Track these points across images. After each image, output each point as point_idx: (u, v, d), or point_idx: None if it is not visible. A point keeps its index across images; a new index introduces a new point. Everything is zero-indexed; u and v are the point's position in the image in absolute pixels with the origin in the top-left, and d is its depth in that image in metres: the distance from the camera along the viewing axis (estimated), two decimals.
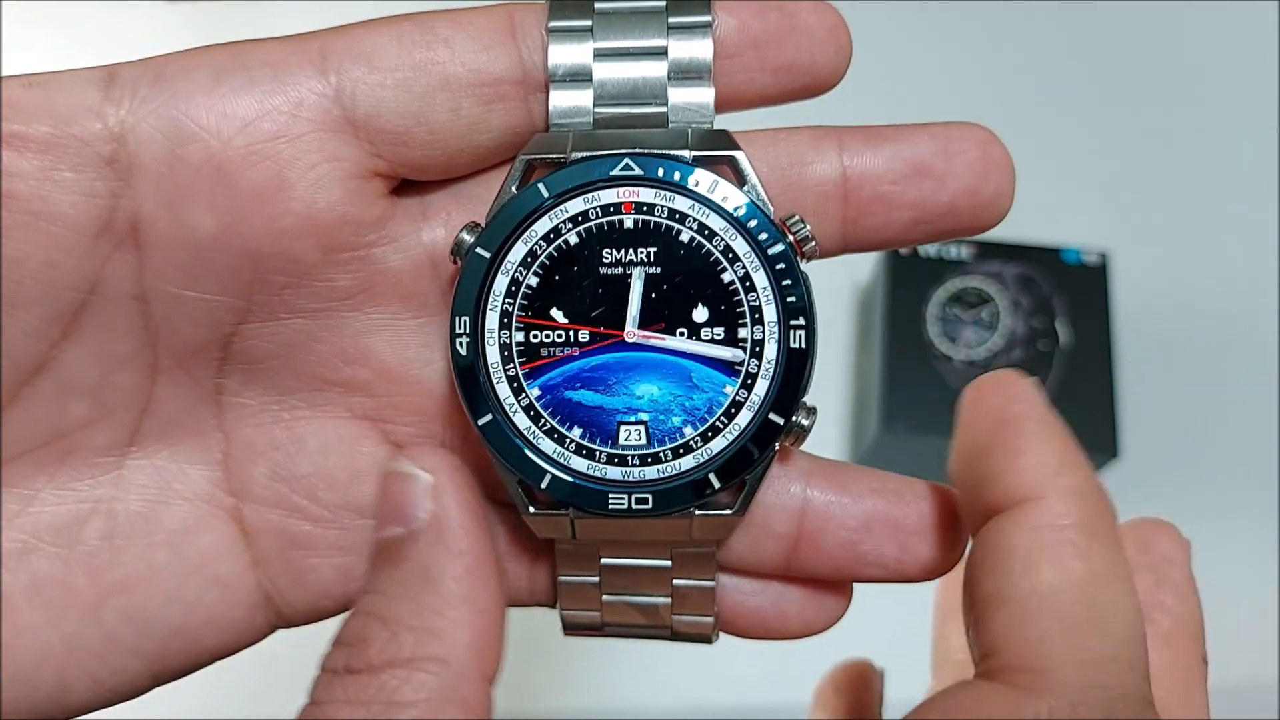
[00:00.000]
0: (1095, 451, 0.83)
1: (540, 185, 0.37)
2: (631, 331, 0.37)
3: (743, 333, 0.37)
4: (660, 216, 0.37)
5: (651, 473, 0.37)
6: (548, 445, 0.37)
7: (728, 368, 0.37)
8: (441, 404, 0.39)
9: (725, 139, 0.37)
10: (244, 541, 0.39)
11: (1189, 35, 1.10)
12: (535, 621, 0.47)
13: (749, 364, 0.37)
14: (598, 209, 0.37)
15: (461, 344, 0.37)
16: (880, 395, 0.84)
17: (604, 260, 0.37)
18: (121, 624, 0.37)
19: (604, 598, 0.40)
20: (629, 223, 0.37)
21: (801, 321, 0.37)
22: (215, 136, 0.35)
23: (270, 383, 0.39)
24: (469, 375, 0.37)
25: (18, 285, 0.34)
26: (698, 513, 0.37)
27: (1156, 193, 1.03)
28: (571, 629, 0.41)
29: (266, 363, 0.38)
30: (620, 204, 0.37)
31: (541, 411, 0.37)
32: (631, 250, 0.37)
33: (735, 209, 0.37)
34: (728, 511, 0.37)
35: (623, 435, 0.37)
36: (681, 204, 0.37)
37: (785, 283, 0.37)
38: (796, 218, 0.36)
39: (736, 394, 0.37)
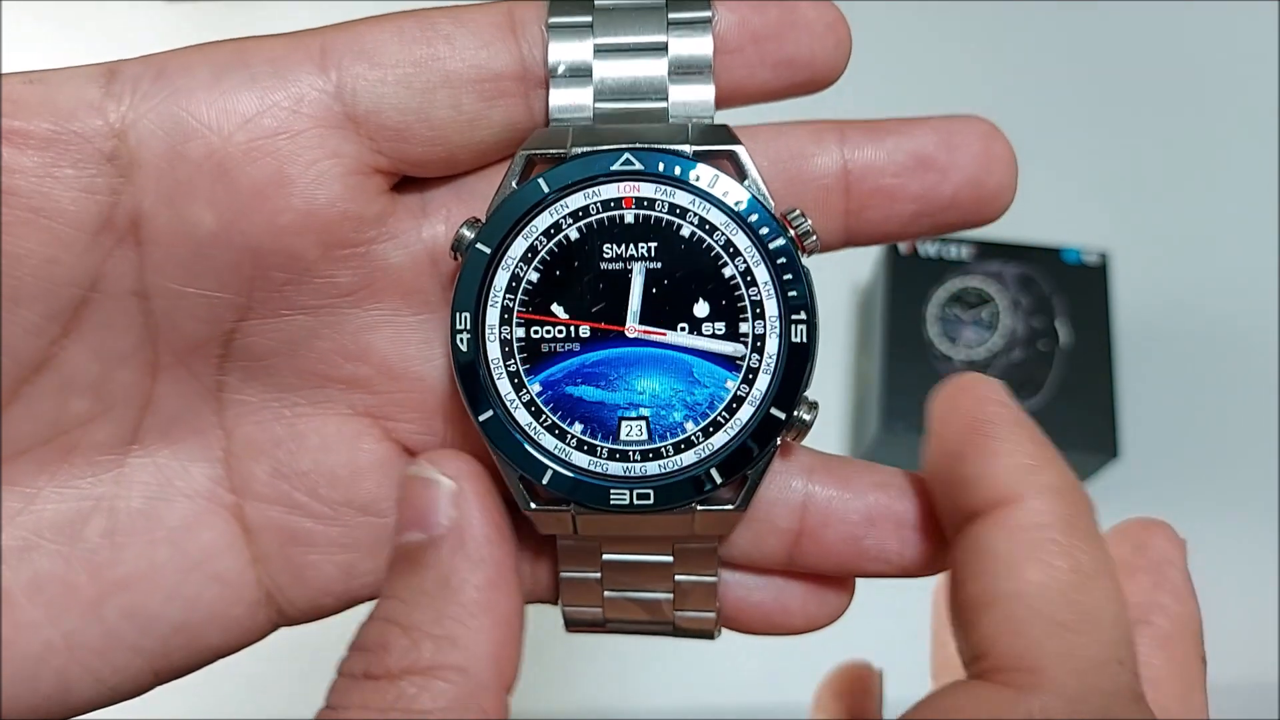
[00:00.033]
0: (1095, 451, 0.83)
1: (540, 180, 0.37)
2: (632, 327, 0.37)
3: (744, 328, 0.37)
4: (661, 211, 0.37)
5: (653, 468, 0.37)
6: (549, 441, 0.37)
7: (729, 363, 0.37)
8: (442, 400, 0.39)
9: (726, 134, 0.37)
10: (245, 539, 0.39)
11: (1189, 35, 1.10)
12: (536, 619, 0.47)
13: (750, 359, 0.37)
14: (598, 204, 0.37)
15: (462, 340, 0.37)
16: (880, 395, 0.84)
17: (605, 255, 0.37)
18: (123, 621, 0.37)
19: (606, 593, 0.40)
20: (629, 218, 0.37)
21: (803, 316, 0.37)
22: (216, 133, 0.35)
23: (271, 380, 0.39)
24: (469, 371, 0.37)
25: (18, 282, 0.34)
26: (699, 508, 0.37)
27: (1156, 193, 1.03)
28: (573, 626, 0.41)
29: (267, 359, 0.38)
30: (621, 199, 0.37)
31: (542, 407, 0.37)
32: (632, 245, 0.37)
33: (736, 203, 0.37)
34: (729, 507, 0.37)
35: (624, 430, 0.37)
36: (682, 199, 0.37)
37: (786, 277, 0.37)
38: (797, 212, 0.37)
39: (738, 389, 0.37)
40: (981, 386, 0.36)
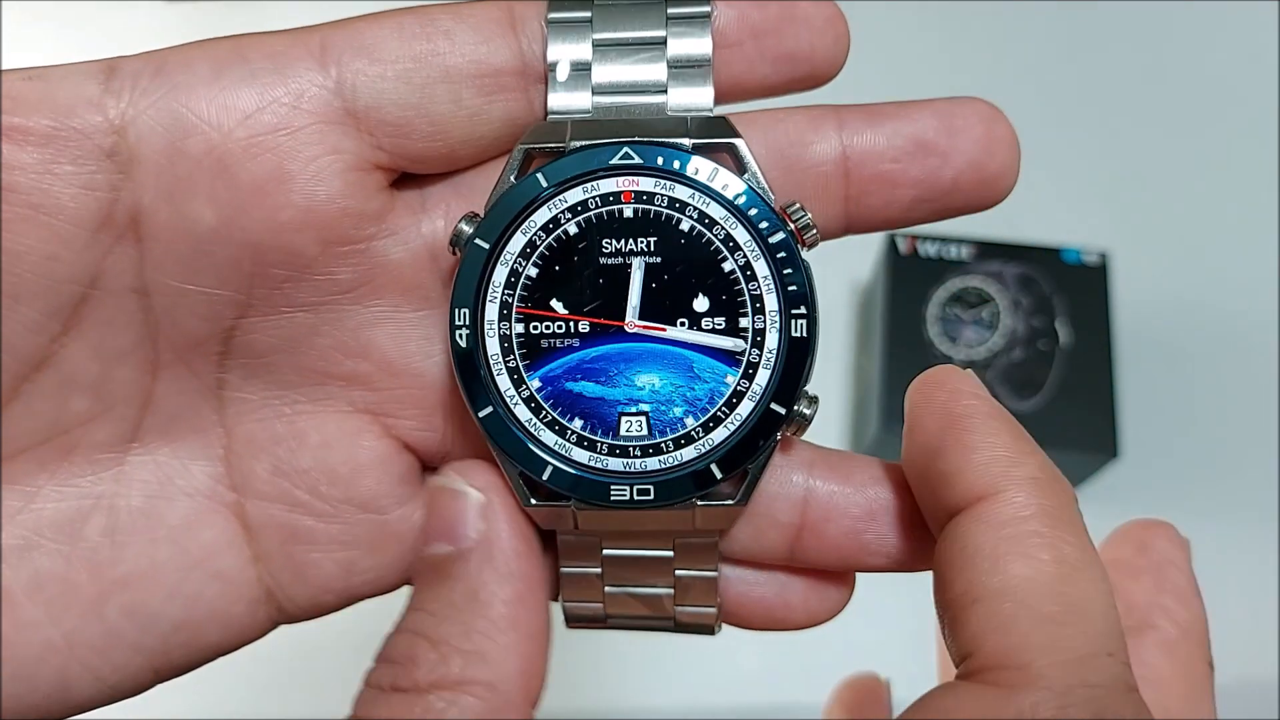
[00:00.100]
0: (1095, 451, 0.82)
1: (539, 175, 0.37)
2: (632, 322, 0.37)
3: (744, 322, 0.37)
4: (660, 205, 0.37)
5: (653, 463, 0.37)
6: (549, 437, 0.37)
7: (729, 357, 0.37)
8: (442, 396, 0.39)
9: (725, 126, 0.37)
10: (245, 537, 0.39)
11: (1189, 35, 1.10)
12: None
13: (750, 353, 0.37)
14: (597, 198, 0.37)
15: (461, 336, 0.37)
16: (880, 395, 0.84)
17: (604, 250, 0.37)
18: (123, 620, 0.37)
19: (606, 589, 0.40)
20: (629, 212, 0.37)
21: (803, 310, 0.37)
22: (216, 129, 0.35)
23: (271, 377, 0.39)
24: (469, 367, 0.37)
25: (18, 279, 0.34)
26: (700, 503, 0.37)
27: (1156, 193, 1.03)
28: (573, 622, 0.41)
29: (268, 357, 0.38)
30: (620, 193, 0.37)
31: (542, 403, 0.37)
32: (631, 240, 0.37)
33: (735, 197, 0.37)
34: (730, 502, 0.37)
35: (624, 426, 0.37)
36: (681, 193, 0.37)
37: (786, 271, 0.37)
38: (797, 205, 0.36)
39: (738, 384, 0.37)
40: (955, 379, 0.36)
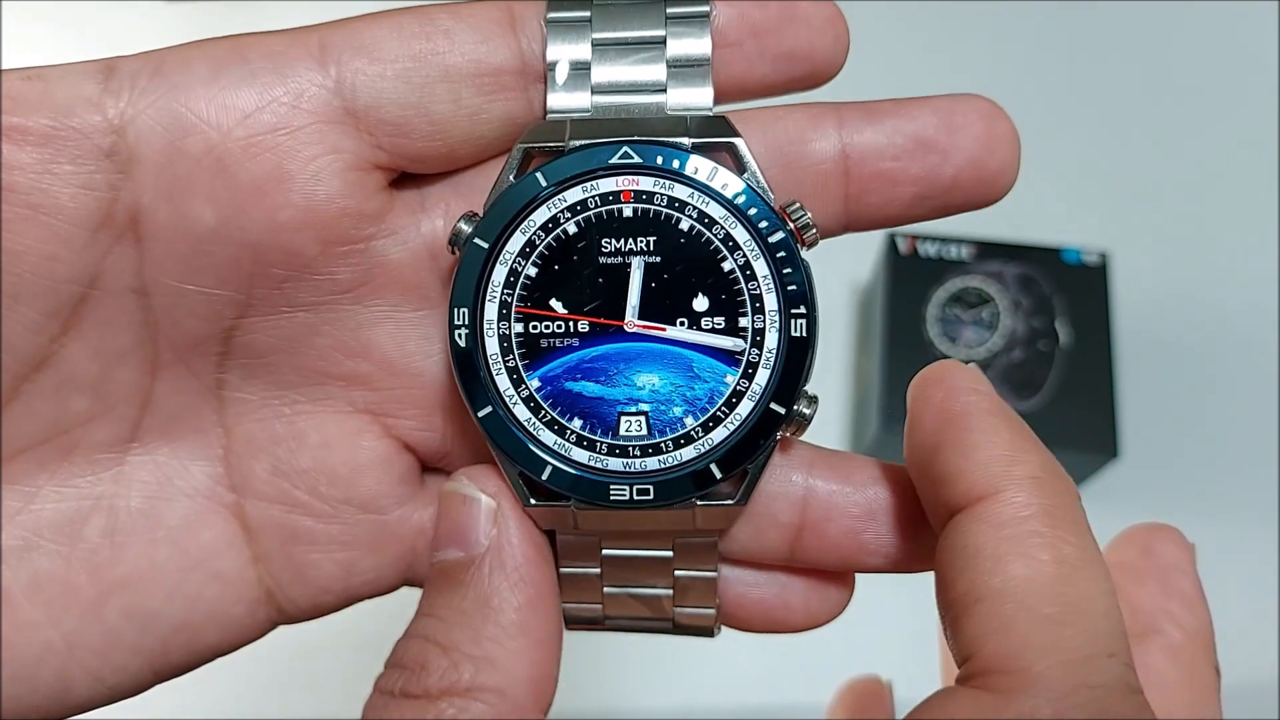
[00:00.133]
0: (1095, 451, 0.82)
1: (538, 174, 0.37)
2: (631, 322, 0.37)
3: (743, 322, 0.37)
4: (660, 205, 0.37)
5: (653, 463, 0.37)
6: (548, 437, 0.37)
7: (729, 357, 0.37)
8: (442, 396, 0.39)
9: (725, 125, 0.37)
10: (245, 537, 0.39)
11: (1189, 35, 1.10)
12: None
13: (750, 353, 0.37)
14: (596, 198, 0.37)
15: (460, 335, 0.37)
16: (880, 395, 0.84)
17: (603, 250, 0.37)
18: (123, 621, 0.37)
19: (605, 589, 0.40)
20: (628, 211, 0.37)
21: (802, 310, 0.37)
22: (215, 128, 0.35)
23: (271, 377, 0.39)
24: (468, 367, 0.37)
25: (17, 279, 0.34)
26: (699, 503, 0.37)
27: (1156, 193, 1.03)
28: (572, 624, 0.41)
29: (267, 357, 0.38)
30: (619, 192, 0.37)
31: (541, 403, 0.37)
32: (631, 239, 0.37)
33: (735, 196, 0.36)
34: (730, 502, 0.37)
35: (623, 426, 0.37)
36: (681, 192, 0.37)
37: (786, 271, 0.37)
38: (797, 205, 0.36)
39: (737, 384, 0.37)
40: (955, 375, 0.36)
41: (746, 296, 0.37)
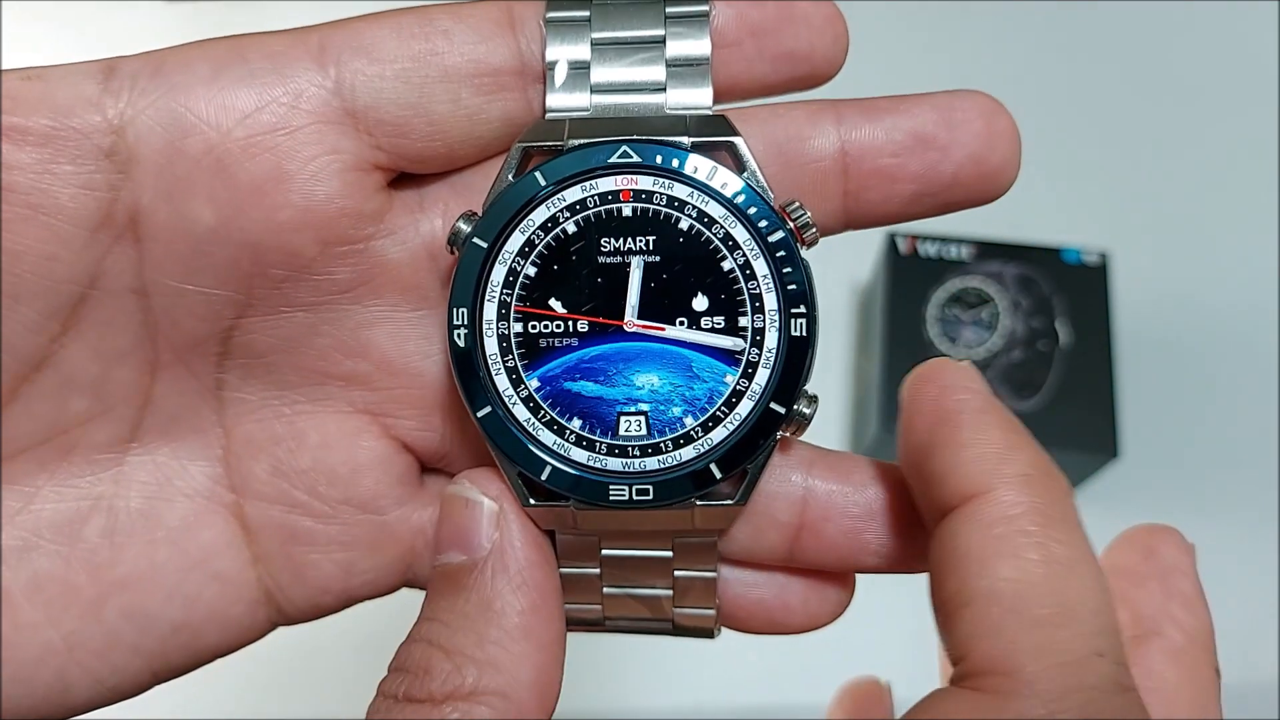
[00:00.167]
0: (1095, 451, 0.82)
1: (537, 173, 0.37)
2: (631, 321, 0.37)
3: (743, 321, 0.37)
4: (659, 204, 0.37)
5: (652, 463, 0.37)
6: (547, 437, 0.37)
7: (728, 357, 0.37)
8: (441, 396, 0.39)
9: (724, 124, 0.37)
10: (245, 537, 0.39)
11: (1189, 35, 1.10)
12: None
13: (750, 353, 0.37)
14: (595, 197, 0.37)
15: (459, 335, 0.37)
16: (880, 396, 0.84)
17: (602, 249, 0.37)
18: (122, 622, 0.37)
19: (605, 590, 0.40)
20: (627, 211, 0.37)
21: (802, 309, 0.36)
22: (214, 129, 0.35)
23: (271, 377, 0.39)
24: (467, 367, 0.37)
25: (17, 279, 0.34)
26: (699, 503, 0.37)
27: (1156, 193, 1.03)
28: (571, 625, 0.41)
29: (267, 357, 0.38)
30: (618, 192, 0.37)
31: (541, 403, 0.37)
32: (630, 239, 0.37)
33: (734, 195, 0.36)
34: (729, 501, 0.37)
35: (623, 426, 0.37)
36: (680, 191, 0.37)
37: (786, 270, 0.36)
38: (796, 204, 0.36)
39: (737, 383, 0.37)
40: (946, 374, 0.36)
41: (746, 296, 0.37)
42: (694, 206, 0.37)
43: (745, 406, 0.37)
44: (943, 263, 0.88)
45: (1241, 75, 1.08)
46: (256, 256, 0.36)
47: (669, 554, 0.39)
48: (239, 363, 0.38)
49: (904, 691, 0.50)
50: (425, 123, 0.36)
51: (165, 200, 0.35)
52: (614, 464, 0.37)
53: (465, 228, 0.36)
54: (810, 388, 0.37)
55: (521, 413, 0.37)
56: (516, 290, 0.37)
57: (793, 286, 0.37)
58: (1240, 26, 1.10)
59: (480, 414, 0.37)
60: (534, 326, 0.37)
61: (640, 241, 0.37)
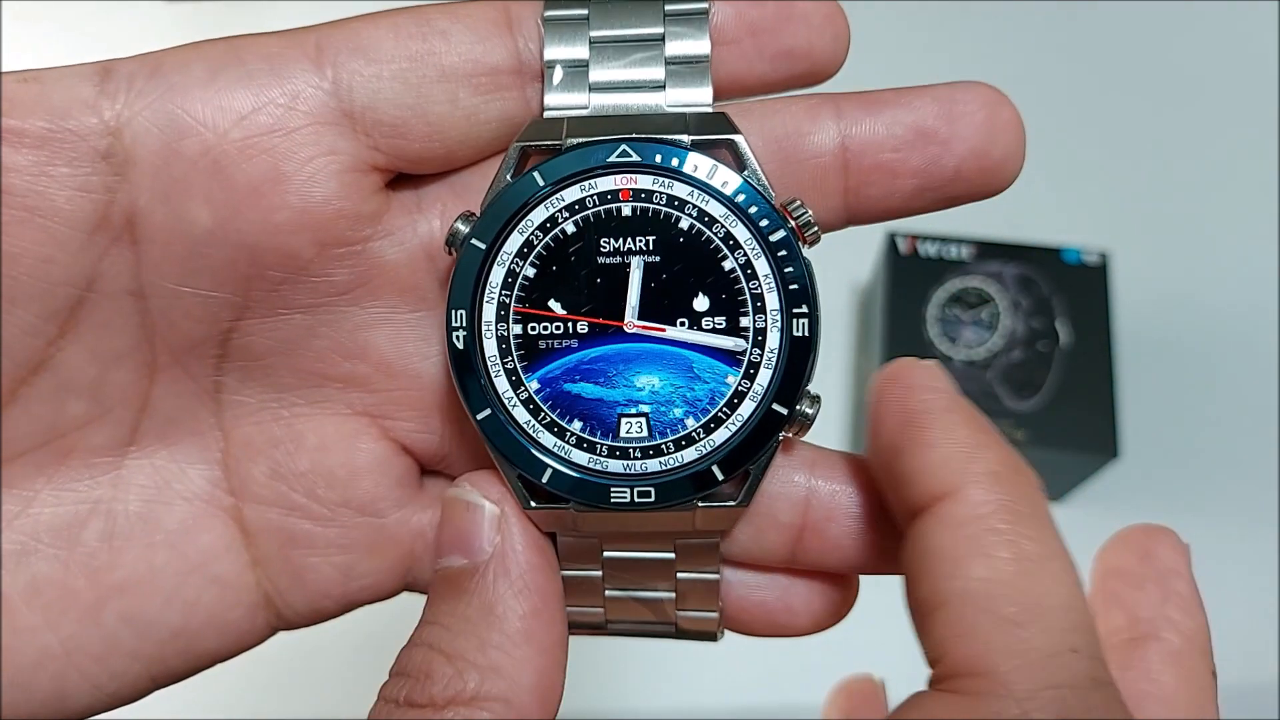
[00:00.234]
0: (1095, 451, 0.82)
1: (535, 173, 0.36)
2: (631, 322, 0.37)
3: (744, 321, 0.36)
4: (659, 204, 0.36)
5: (653, 465, 0.36)
6: (548, 439, 0.37)
7: (730, 357, 0.37)
8: (440, 398, 0.39)
9: (724, 122, 0.36)
10: (243, 541, 0.39)
11: (1189, 35, 1.10)
12: None
13: (751, 353, 0.36)
14: (594, 197, 0.37)
15: (458, 338, 0.37)
16: None
17: (602, 250, 0.37)
18: (121, 626, 0.37)
19: (607, 592, 0.39)
20: (627, 210, 0.37)
21: (804, 309, 0.36)
22: (211, 130, 0.34)
23: (269, 380, 0.38)
24: (466, 369, 0.37)
25: (14, 282, 0.34)
26: (701, 504, 0.37)
27: (1156, 193, 1.03)
28: (575, 628, 0.41)
29: (265, 359, 0.38)
30: (618, 191, 0.37)
31: (541, 405, 0.37)
32: (630, 239, 0.37)
33: (735, 194, 0.36)
34: (731, 503, 0.37)
35: (624, 428, 0.37)
36: (680, 190, 0.36)
37: (787, 269, 0.36)
38: (798, 203, 0.36)
39: (739, 384, 0.36)
40: (912, 373, 0.35)
41: (747, 296, 0.36)
42: (694, 206, 0.36)
43: (747, 407, 0.36)
44: (943, 263, 0.88)
45: (1241, 75, 1.08)
46: (254, 258, 0.36)
47: (671, 556, 0.38)
48: (237, 365, 0.38)
49: (903, 691, 0.50)
50: (423, 123, 0.36)
51: (162, 202, 0.35)
52: (615, 466, 0.37)
53: (463, 228, 0.36)
54: (811, 388, 0.37)
55: (521, 415, 0.37)
56: (515, 291, 0.37)
57: (794, 286, 0.36)
58: (1240, 26, 1.10)
59: (480, 416, 0.37)
60: (533, 328, 0.37)
61: (640, 241, 0.37)
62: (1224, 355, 0.96)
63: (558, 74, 0.36)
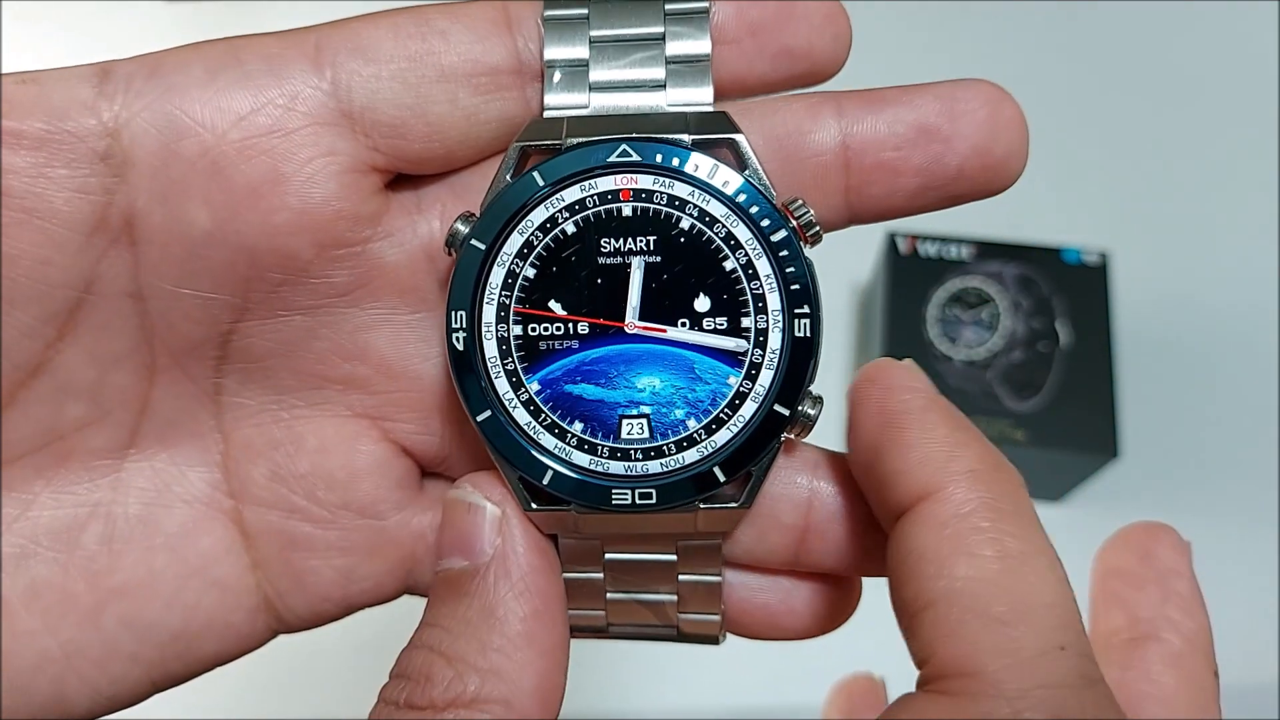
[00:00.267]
0: (1095, 451, 0.82)
1: (535, 173, 0.36)
2: (632, 323, 0.36)
3: (746, 322, 0.36)
4: (660, 204, 0.36)
5: (655, 467, 0.36)
6: (549, 440, 0.37)
7: (731, 358, 0.36)
8: (440, 400, 0.39)
9: (725, 121, 0.36)
10: (243, 543, 0.39)
11: (1189, 35, 1.10)
12: None
13: (753, 354, 0.36)
14: (595, 197, 0.36)
15: (458, 339, 0.36)
16: None
17: (603, 250, 0.37)
18: (121, 630, 0.37)
19: (609, 595, 0.39)
20: (627, 210, 0.36)
21: (806, 309, 0.36)
22: (210, 131, 0.34)
23: (269, 381, 0.38)
24: (466, 370, 0.36)
25: (12, 283, 0.34)
26: (702, 506, 0.37)
27: (1156, 193, 1.03)
28: (577, 632, 0.41)
29: (265, 361, 0.38)
30: (618, 191, 0.36)
31: (541, 406, 0.37)
32: (630, 239, 0.36)
33: (736, 194, 0.36)
34: (733, 504, 0.37)
35: (625, 429, 0.36)
36: (681, 190, 0.36)
37: (789, 270, 0.36)
38: (799, 202, 0.36)
39: (740, 385, 0.36)
40: (890, 374, 0.35)
41: (749, 296, 0.36)
42: (695, 205, 0.36)
43: (749, 408, 0.36)
44: (943, 263, 0.88)
45: (1241, 75, 1.08)
46: (253, 260, 0.36)
47: (673, 558, 0.38)
48: (237, 367, 0.38)
49: (904, 690, 0.50)
50: (422, 123, 0.36)
51: (160, 203, 0.34)
52: (616, 467, 0.36)
53: (463, 229, 0.36)
54: (813, 388, 0.37)
55: (522, 416, 0.37)
56: (515, 292, 0.37)
57: (796, 286, 0.36)
58: (1240, 26, 1.10)
59: (480, 418, 0.36)
60: (534, 329, 0.37)
61: (641, 241, 0.36)
62: (1224, 355, 0.96)
63: (557, 74, 0.36)
